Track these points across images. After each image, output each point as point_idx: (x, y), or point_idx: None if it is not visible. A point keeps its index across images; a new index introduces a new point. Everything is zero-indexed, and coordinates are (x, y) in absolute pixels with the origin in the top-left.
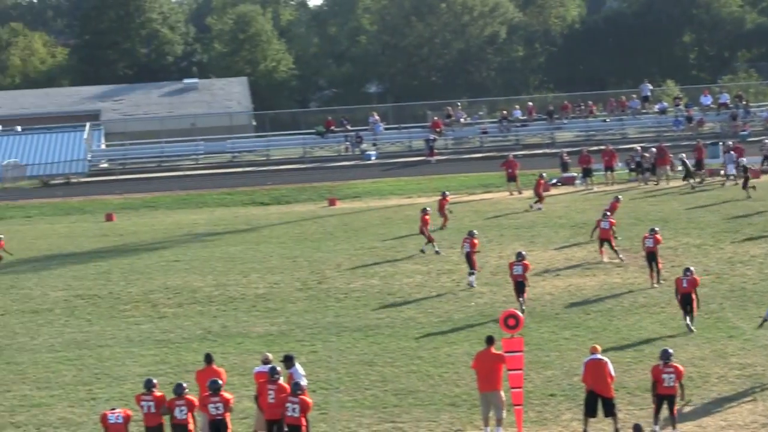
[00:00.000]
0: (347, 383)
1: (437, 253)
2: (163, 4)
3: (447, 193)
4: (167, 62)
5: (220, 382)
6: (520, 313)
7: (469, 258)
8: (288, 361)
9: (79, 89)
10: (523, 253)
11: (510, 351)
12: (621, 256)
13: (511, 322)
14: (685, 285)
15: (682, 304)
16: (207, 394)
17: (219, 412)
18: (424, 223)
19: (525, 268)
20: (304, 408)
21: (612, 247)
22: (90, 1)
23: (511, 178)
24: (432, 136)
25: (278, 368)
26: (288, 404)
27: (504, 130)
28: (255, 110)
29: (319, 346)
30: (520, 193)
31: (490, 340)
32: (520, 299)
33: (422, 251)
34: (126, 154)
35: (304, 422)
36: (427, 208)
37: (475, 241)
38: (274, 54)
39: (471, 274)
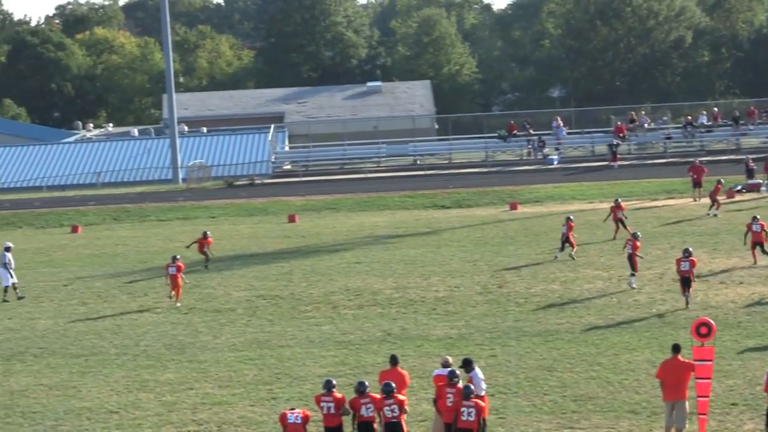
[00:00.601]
0: (526, 388)
1: (572, 257)
2: (348, 7)
3: (620, 200)
4: (351, 65)
5: (394, 384)
6: (712, 321)
7: (630, 259)
8: (467, 365)
9: (264, 91)
10: (690, 249)
11: (700, 360)
12: None
13: (703, 330)
14: None
15: None
16: (382, 396)
17: (394, 414)
18: (569, 229)
19: (692, 264)
20: (479, 412)
21: (763, 251)
22: (276, 4)
23: (697, 183)
24: (615, 141)
25: (457, 371)
26: (463, 408)
27: (688, 135)
28: (437, 113)
29: (499, 350)
30: (699, 199)
31: (676, 349)
32: (686, 295)
33: (555, 257)
34: (309, 156)
35: (475, 426)
36: (572, 216)
37: (638, 243)
38: (457, 57)
39: (632, 275)
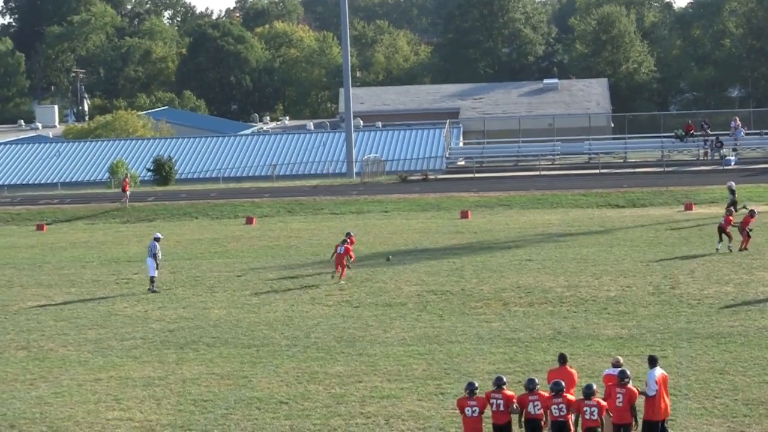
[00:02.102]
0: (697, 390)
1: (728, 250)
2: (526, 3)
3: (756, 211)
4: (528, 62)
5: (563, 383)
6: None
7: None
8: (651, 362)
9: (440, 87)
10: None
11: None
12: None
13: None
14: None
15: None
16: (551, 394)
17: (561, 413)
18: (726, 222)
19: None
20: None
21: None
22: (455, 0)
23: None
24: None
25: (628, 372)
26: (585, 408)
27: None
28: (614, 112)
29: (670, 352)
30: None
31: None
32: None
33: (724, 250)
34: (483, 152)
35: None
36: (732, 209)
37: None
38: (636, 56)
39: None
